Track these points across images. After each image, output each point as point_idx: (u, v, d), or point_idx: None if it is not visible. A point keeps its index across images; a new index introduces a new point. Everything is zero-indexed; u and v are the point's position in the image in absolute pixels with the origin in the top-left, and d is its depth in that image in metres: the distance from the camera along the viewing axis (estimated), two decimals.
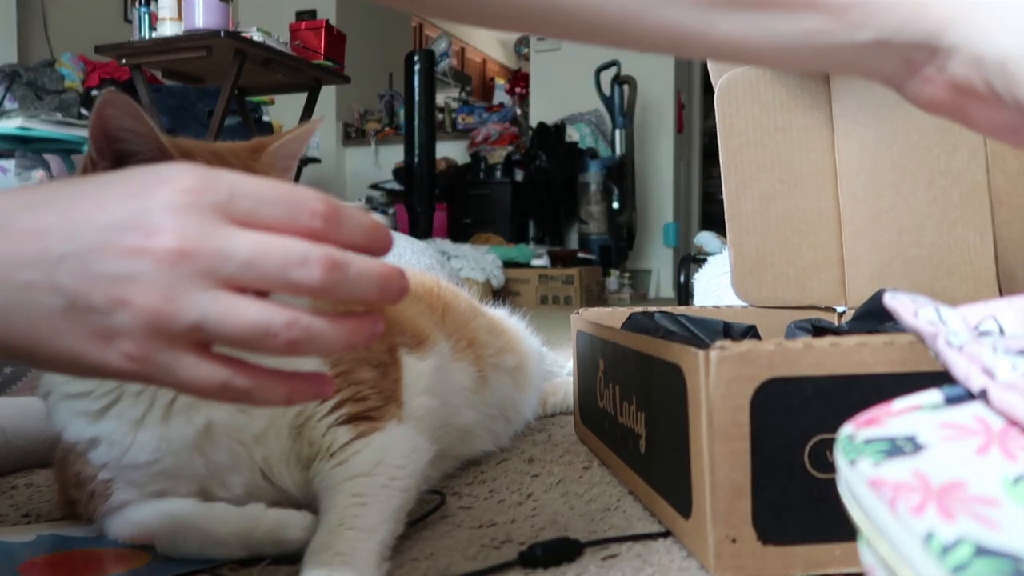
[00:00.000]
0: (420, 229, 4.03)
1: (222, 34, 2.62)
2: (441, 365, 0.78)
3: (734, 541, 0.54)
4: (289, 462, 0.62)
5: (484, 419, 0.89)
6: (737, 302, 1.06)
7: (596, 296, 4.18)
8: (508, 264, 3.87)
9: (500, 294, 3.53)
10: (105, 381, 0.58)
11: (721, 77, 1.01)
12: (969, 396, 0.32)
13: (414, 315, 0.81)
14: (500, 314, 1.09)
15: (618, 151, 4.71)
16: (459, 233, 4.71)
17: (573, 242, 4.94)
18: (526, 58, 6.24)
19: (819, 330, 0.84)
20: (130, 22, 3.04)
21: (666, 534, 0.65)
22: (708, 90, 1.07)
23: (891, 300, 0.36)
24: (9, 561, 0.58)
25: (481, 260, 3.52)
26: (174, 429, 0.57)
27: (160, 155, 0.56)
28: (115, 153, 0.55)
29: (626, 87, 4.69)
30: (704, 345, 0.56)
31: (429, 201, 4.16)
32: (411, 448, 0.65)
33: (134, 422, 0.58)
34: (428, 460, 0.68)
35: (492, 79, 7.39)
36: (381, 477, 0.60)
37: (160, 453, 0.58)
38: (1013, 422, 0.30)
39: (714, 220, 4.90)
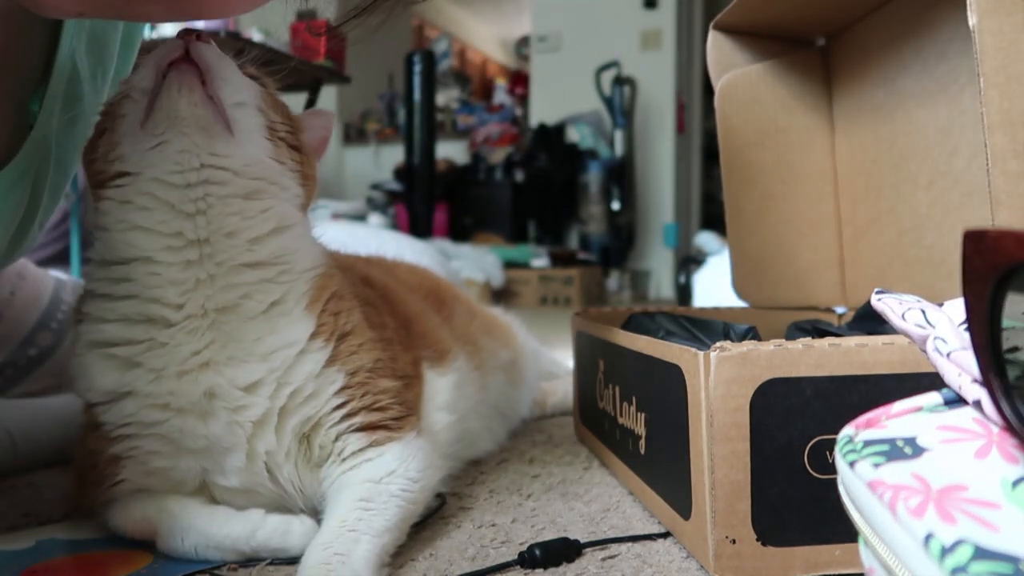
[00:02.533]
0: (420, 229, 4.02)
1: (222, 34, 2.62)
2: (460, 380, 0.79)
3: (734, 542, 0.54)
4: (298, 463, 0.62)
5: (484, 420, 0.89)
6: (737, 303, 1.06)
7: (596, 296, 4.18)
8: (508, 265, 3.87)
9: (500, 295, 3.53)
10: (142, 330, 0.59)
11: (722, 78, 1.01)
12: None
13: (435, 327, 0.81)
14: (495, 311, 1.09)
15: (618, 152, 4.71)
16: (459, 233, 4.70)
17: (573, 242, 4.94)
18: (526, 58, 6.24)
19: (819, 332, 0.84)
20: None
21: (666, 535, 0.65)
22: (708, 91, 1.07)
23: (878, 302, 0.36)
24: (9, 570, 0.58)
25: (481, 260, 3.52)
26: (184, 384, 0.58)
27: None
28: None
29: (626, 88, 4.69)
30: (704, 346, 0.56)
31: (429, 201, 4.16)
32: (427, 463, 0.64)
33: (156, 372, 0.59)
34: (441, 478, 0.68)
35: (492, 79, 7.39)
36: (392, 486, 0.60)
37: (168, 413, 0.58)
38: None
39: (714, 220, 4.89)
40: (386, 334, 0.70)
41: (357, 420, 0.62)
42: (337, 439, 0.62)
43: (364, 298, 0.70)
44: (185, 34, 0.58)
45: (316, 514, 0.63)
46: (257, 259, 0.61)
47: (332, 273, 0.67)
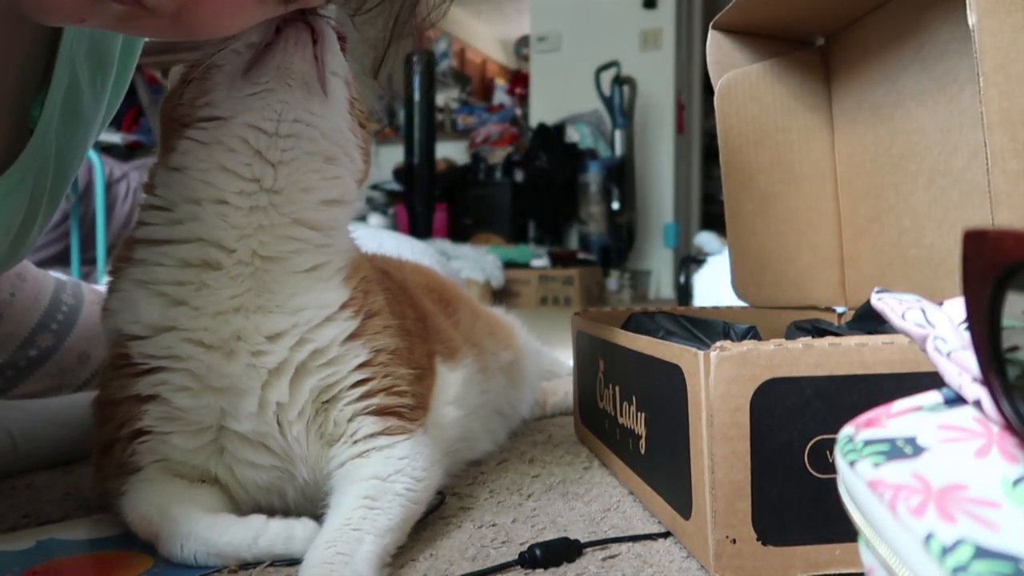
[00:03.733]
0: (420, 229, 4.02)
1: None
2: (469, 378, 0.80)
3: (734, 541, 0.54)
4: (310, 432, 0.63)
5: (484, 421, 0.89)
6: (737, 302, 1.06)
7: (596, 296, 4.18)
8: (508, 265, 3.87)
9: (500, 295, 3.53)
10: (194, 273, 0.62)
11: (721, 78, 1.01)
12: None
13: (448, 326, 0.82)
14: (496, 312, 1.10)
15: (618, 151, 4.71)
16: (459, 233, 4.70)
17: (573, 242, 4.94)
18: (526, 58, 6.24)
19: (819, 331, 0.84)
20: None
21: (666, 534, 0.65)
22: (708, 91, 1.07)
23: (878, 302, 0.36)
24: (10, 571, 0.58)
25: (481, 261, 3.52)
26: (218, 323, 0.61)
27: None
28: None
29: (626, 87, 4.68)
30: (704, 346, 0.56)
31: (429, 201, 4.16)
32: (432, 461, 0.65)
33: (197, 310, 0.61)
34: (442, 472, 0.68)
35: (492, 79, 7.39)
36: (398, 485, 0.61)
37: (201, 349, 0.60)
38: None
39: (714, 220, 4.89)
40: (406, 324, 0.71)
41: (375, 401, 0.63)
42: (352, 419, 0.63)
43: (386, 288, 0.72)
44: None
45: (317, 489, 0.64)
46: (316, 221, 0.64)
47: (364, 260, 0.70)
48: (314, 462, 0.63)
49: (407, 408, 0.65)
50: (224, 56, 0.61)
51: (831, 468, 0.55)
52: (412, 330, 0.72)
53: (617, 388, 0.78)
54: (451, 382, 0.76)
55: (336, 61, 0.64)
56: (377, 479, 0.60)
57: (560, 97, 5.04)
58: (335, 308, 0.63)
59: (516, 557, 0.59)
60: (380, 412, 0.63)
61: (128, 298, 0.63)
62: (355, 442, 0.62)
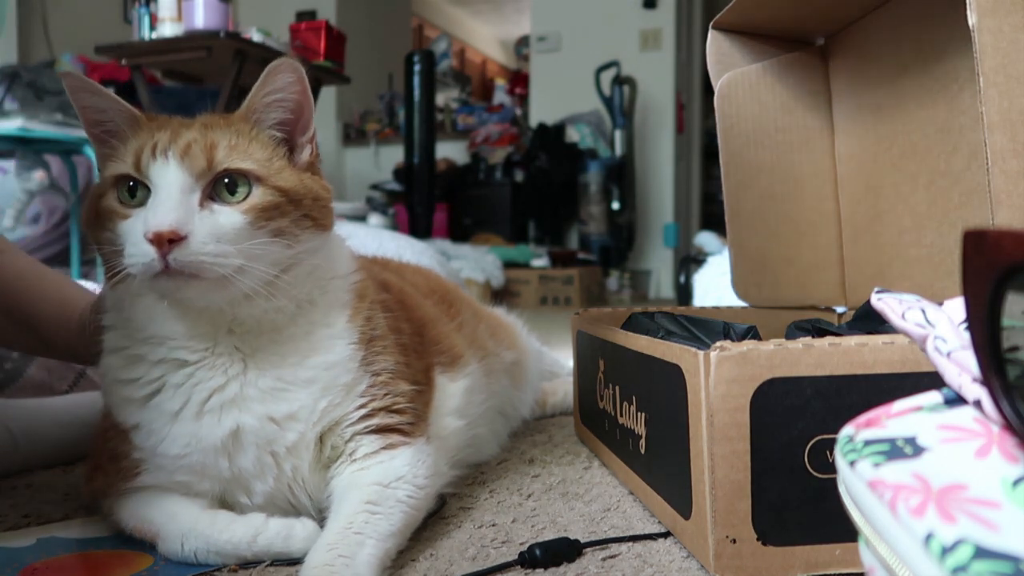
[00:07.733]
0: (420, 229, 4.02)
1: (222, 34, 2.62)
2: (471, 387, 0.79)
3: (734, 541, 0.54)
4: (312, 467, 0.62)
5: (490, 424, 0.89)
6: (737, 302, 1.06)
7: (596, 296, 4.18)
8: (508, 265, 3.87)
9: (500, 295, 3.53)
10: (152, 370, 0.59)
11: (721, 78, 1.01)
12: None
13: (449, 332, 0.82)
14: (498, 312, 1.09)
15: (618, 151, 4.71)
16: (459, 233, 4.70)
17: (573, 242, 4.94)
18: (526, 58, 6.24)
19: (819, 331, 0.84)
20: (130, 22, 3.04)
21: (666, 534, 0.65)
22: (708, 90, 1.07)
23: (878, 301, 0.36)
24: (9, 567, 0.58)
25: (481, 261, 3.52)
26: (205, 427, 0.58)
27: (131, 117, 0.60)
28: (100, 136, 0.60)
29: (626, 87, 4.68)
30: (704, 346, 0.56)
31: (429, 201, 4.15)
32: (434, 470, 0.65)
33: (172, 414, 0.58)
34: (444, 483, 0.68)
35: (492, 79, 7.39)
36: (400, 492, 0.60)
37: (189, 449, 0.58)
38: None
39: (714, 220, 4.89)
40: (402, 339, 0.70)
41: (375, 421, 0.63)
42: (351, 439, 0.62)
43: (383, 303, 0.71)
44: (158, 245, 0.53)
45: (319, 514, 0.63)
46: (292, 296, 0.60)
47: (367, 280, 0.67)
48: (315, 491, 0.63)
49: (407, 424, 0.64)
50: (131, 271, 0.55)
51: (831, 468, 0.55)
52: (408, 345, 0.71)
53: (617, 388, 0.78)
54: (452, 392, 0.75)
55: (228, 260, 0.55)
56: (379, 485, 0.60)
57: (560, 97, 5.04)
58: (347, 358, 0.61)
59: (516, 557, 0.59)
60: (380, 431, 0.63)
61: (106, 387, 0.62)
62: (354, 460, 0.62)
